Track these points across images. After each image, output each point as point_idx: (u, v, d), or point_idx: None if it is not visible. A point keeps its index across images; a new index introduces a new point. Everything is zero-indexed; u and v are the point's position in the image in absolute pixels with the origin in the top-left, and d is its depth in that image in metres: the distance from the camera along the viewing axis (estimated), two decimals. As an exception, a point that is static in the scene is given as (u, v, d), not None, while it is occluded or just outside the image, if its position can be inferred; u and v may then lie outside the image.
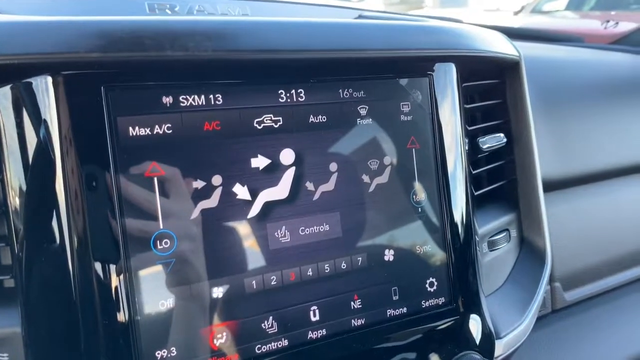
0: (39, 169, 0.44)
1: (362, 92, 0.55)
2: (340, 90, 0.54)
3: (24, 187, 0.44)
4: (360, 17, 0.88)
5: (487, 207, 0.72)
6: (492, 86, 0.72)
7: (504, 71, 0.72)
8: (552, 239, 0.75)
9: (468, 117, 0.67)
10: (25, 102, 0.43)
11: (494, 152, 0.71)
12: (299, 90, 0.51)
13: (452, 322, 0.59)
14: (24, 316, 0.44)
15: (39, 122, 0.43)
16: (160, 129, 0.46)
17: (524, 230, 0.75)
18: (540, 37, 1.33)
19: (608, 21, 1.38)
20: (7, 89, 0.44)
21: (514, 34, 0.79)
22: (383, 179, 0.56)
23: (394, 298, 0.56)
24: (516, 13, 2.37)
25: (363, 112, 0.55)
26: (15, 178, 0.44)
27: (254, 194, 0.50)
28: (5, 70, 0.42)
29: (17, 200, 0.44)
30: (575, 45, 1.24)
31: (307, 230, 0.52)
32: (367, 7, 1.04)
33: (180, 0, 0.69)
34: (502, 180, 0.74)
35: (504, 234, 0.70)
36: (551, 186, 0.82)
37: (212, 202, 0.48)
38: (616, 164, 0.91)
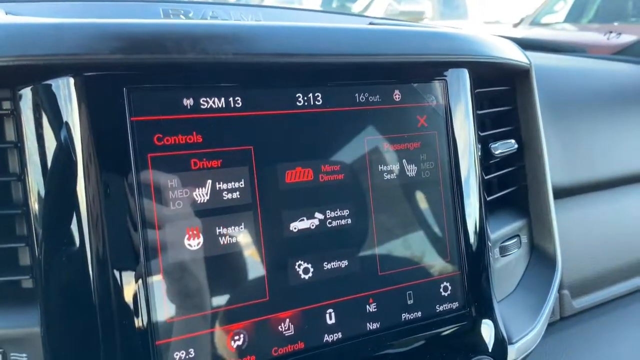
0: (59, 171, 0.44)
1: (377, 97, 0.55)
2: (357, 95, 0.54)
3: (45, 189, 0.44)
4: (371, 24, 0.88)
5: (498, 213, 0.72)
6: (502, 93, 0.73)
7: (514, 78, 0.73)
8: (560, 246, 0.75)
9: (479, 123, 0.68)
10: (46, 103, 0.44)
11: (504, 158, 0.71)
12: (316, 94, 0.52)
13: (465, 327, 0.59)
14: (44, 317, 0.44)
15: (60, 123, 0.43)
16: (182, 131, 0.46)
17: (534, 237, 0.75)
18: (544, 47, 1.34)
19: (611, 32, 1.39)
20: (28, 90, 0.44)
21: (518, 44, 0.79)
22: (398, 183, 0.56)
23: (409, 302, 0.56)
24: (515, 25, 2.38)
25: (378, 116, 0.55)
26: (36, 179, 0.44)
27: (270, 196, 0.50)
28: (27, 71, 0.43)
29: (38, 201, 0.44)
30: (579, 56, 1.25)
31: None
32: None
33: (194, 6, 0.70)
34: (512, 187, 0.74)
35: (515, 239, 0.70)
36: (559, 193, 0.82)
37: (232, 207, 0.48)
38: (624, 171, 0.91)
